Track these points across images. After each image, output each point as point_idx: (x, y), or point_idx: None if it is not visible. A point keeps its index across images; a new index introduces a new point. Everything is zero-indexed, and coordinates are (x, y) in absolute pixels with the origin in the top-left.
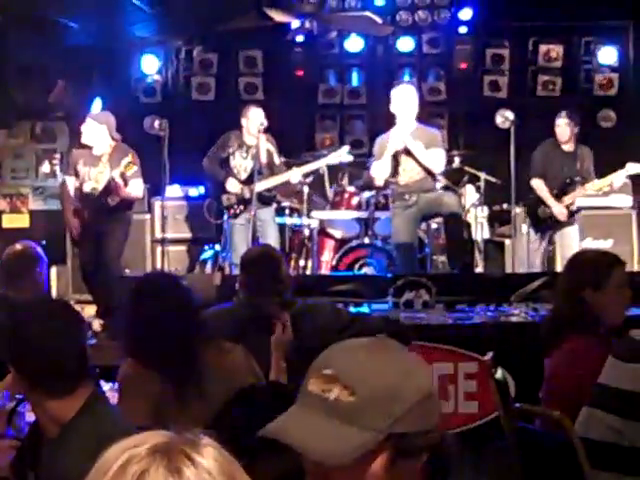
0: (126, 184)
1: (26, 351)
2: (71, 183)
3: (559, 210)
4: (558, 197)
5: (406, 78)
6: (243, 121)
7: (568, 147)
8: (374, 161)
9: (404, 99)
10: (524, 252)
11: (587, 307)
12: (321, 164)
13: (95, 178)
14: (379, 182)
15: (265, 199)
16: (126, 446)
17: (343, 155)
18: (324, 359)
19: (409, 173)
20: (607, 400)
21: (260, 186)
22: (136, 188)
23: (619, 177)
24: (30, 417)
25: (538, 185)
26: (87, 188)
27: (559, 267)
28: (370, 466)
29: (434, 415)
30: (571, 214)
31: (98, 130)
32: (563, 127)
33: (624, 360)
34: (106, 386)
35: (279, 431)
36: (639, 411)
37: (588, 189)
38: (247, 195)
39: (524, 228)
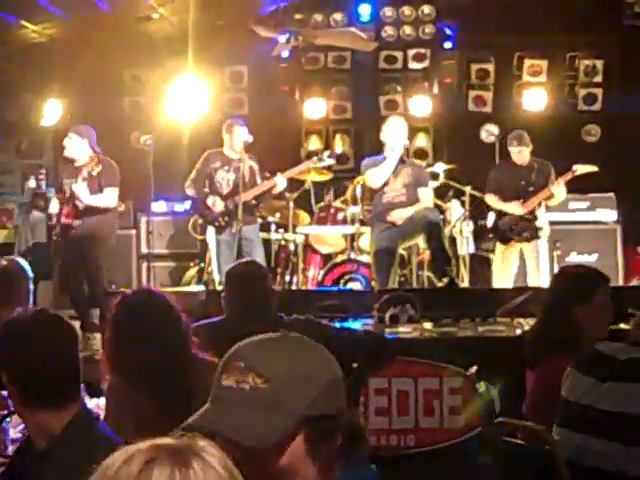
0: (101, 190)
1: (18, 360)
2: (55, 205)
3: (514, 208)
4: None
5: (392, 93)
6: (226, 137)
7: (523, 163)
8: (369, 169)
9: (397, 132)
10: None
11: (572, 322)
12: (302, 167)
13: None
14: (377, 184)
15: (249, 210)
16: (128, 447)
17: (325, 159)
18: (234, 354)
19: (395, 192)
20: (577, 418)
21: (244, 196)
22: (109, 197)
23: (559, 185)
24: (14, 434)
25: (491, 199)
26: (65, 189)
27: (531, 281)
28: (291, 449)
29: (343, 398)
30: (529, 221)
31: (80, 144)
32: (525, 153)
33: (583, 373)
34: (91, 402)
35: (201, 423)
36: (617, 431)
37: (541, 197)
38: (230, 206)
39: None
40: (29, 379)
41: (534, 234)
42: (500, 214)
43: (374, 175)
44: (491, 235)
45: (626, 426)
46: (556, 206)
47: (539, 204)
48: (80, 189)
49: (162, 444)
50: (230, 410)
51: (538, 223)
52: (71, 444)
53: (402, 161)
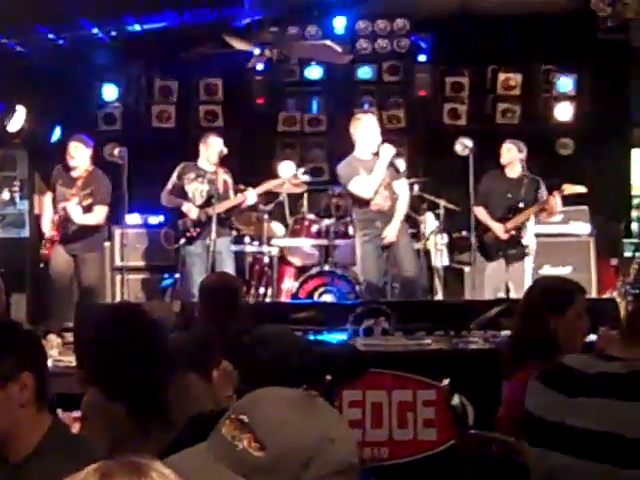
0: (89, 210)
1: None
2: (48, 199)
3: (499, 229)
4: (501, 222)
5: (366, 106)
6: (202, 148)
7: (513, 174)
8: (353, 179)
9: (372, 130)
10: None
11: (547, 333)
12: (275, 183)
13: (67, 198)
14: (369, 195)
15: (221, 223)
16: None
17: (300, 175)
18: (244, 402)
19: (382, 197)
20: (548, 436)
21: (217, 208)
22: (99, 215)
23: (556, 200)
24: None
25: (479, 212)
26: (59, 207)
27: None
28: None
29: None
30: (516, 239)
31: (84, 154)
32: (504, 152)
33: (552, 388)
34: (65, 414)
35: (178, 466)
36: (588, 448)
37: (529, 214)
38: (203, 218)
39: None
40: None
41: (521, 253)
42: (486, 228)
43: (364, 186)
44: (477, 249)
45: (598, 443)
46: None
47: (525, 221)
48: (73, 209)
49: (117, 460)
50: (212, 465)
51: (524, 241)
52: (54, 450)
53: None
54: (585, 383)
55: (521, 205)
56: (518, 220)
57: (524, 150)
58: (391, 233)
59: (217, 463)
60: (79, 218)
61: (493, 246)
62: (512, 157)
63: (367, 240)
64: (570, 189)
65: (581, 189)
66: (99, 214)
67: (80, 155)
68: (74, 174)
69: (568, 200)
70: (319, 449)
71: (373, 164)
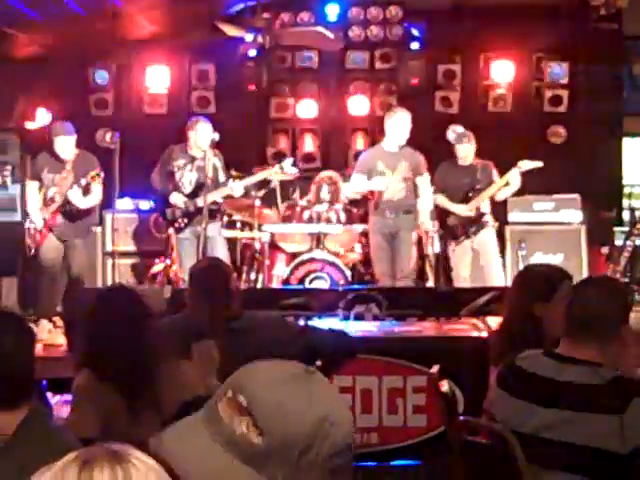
0: (88, 192)
1: None
2: (34, 187)
3: (462, 210)
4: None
5: (358, 93)
6: (191, 134)
7: (466, 163)
8: (355, 174)
9: (402, 126)
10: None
11: (537, 320)
12: (261, 177)
13: (58, 183)
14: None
15: (210, 213)
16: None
17: (286, 167)
18: (241, 380)
19: (394, 188)
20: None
21: (205, 199)
22: (96, 196)
23: (513, 175)
24: None
25: (439, 198)
26: (50, 193)
27: (488, 273)
28: None
29: (346, 471)
30: (480, 217)
31: (71, 142)
32: (467, 152)
33: (518, 396)
34: (55, 398)
35: (173, 443)
36: (560, 460)
37: (488, 193)
38: (191, 208)
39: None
40: None
41: (481, 226)
42: (448, 212)
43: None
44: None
45: (582, 458)
46: (521, 206)
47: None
48: (75, 196)
49: (97, 447)
50: (209, 445)
51: (484, 218)
52: (28, 440)
53: (399, 151)
54: (557, 393)
55: (478, 186)
56: (482, 197)
57: (473, 139)
58: (426, 222)
59: (214, 444)
60: (82, 203)
61: (457, 227)
62: (470, 152)
63: (377, 228)
64: (527, 165)
65: (537, 164)
66: (98, 194)
67: (69, 146)
68: (62, 159)
69: (559, 188)
70: (319, 434)
71: (395, 160)
